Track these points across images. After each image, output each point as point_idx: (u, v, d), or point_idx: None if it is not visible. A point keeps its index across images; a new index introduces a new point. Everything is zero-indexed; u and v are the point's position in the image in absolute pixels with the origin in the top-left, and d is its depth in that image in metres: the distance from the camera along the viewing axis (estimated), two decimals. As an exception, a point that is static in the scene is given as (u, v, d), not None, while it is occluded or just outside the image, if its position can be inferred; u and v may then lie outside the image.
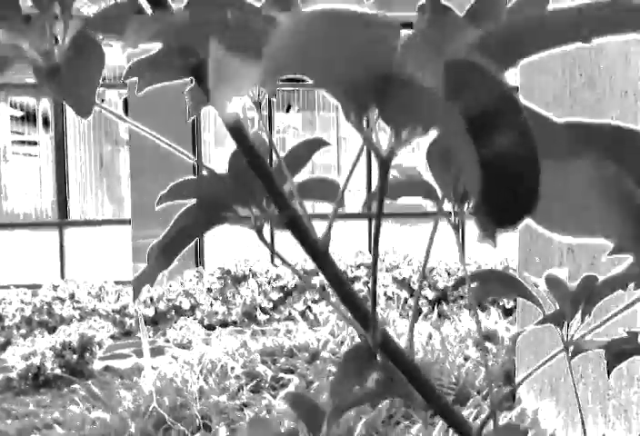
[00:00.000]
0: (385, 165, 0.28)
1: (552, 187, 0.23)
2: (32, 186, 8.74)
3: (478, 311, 3.66)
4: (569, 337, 0.72)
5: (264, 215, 0.51)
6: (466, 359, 4.29)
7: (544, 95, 3.60)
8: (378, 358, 0.53)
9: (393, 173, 0.74)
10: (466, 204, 0.66)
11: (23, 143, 9.78)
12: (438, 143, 0.40)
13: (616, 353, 0.76)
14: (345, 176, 0.51)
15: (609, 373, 0.79)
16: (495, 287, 0.75)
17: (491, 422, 0.57)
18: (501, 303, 6.10)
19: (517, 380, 3.80)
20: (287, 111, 9.34)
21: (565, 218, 0.27)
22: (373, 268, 0.48)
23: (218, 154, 9.24)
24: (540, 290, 0.76)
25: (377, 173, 0.30)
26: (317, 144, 0.58)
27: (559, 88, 3.41)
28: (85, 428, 3.24)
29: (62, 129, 8.06)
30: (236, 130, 0.42)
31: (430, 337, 4.62)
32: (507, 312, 6.01)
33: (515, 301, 6.53)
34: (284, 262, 0.57)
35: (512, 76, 5.09)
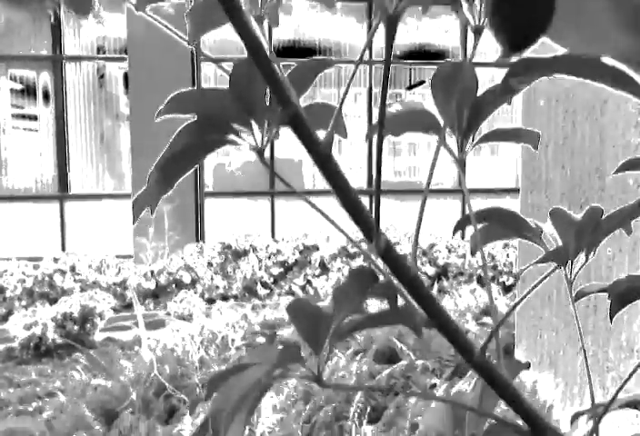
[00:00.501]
0: (392, 24, 0.27)
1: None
2: (32, 160, 8.71)
3: (477, 286, 3.65)
4: (572, 276, 0.71)
5: (266, 129, 0.50)
6: (466, 332, 4.32)
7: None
8: (381, 278, 0.53)
9: (397, 107, 0.73)
10: (470, 138, 0.65)
11: (23, 117, 9.72)
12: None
13: (621, 295, 0.75)
14: (340, 102, 0.50)
15: (612, 318, 0.79)
16: (497, 229, 0.74)
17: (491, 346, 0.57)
18: (501, 280, 6.11)
19: (517, 352, 3.82)
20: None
21: (577, 31, 0.26)
22: (377, 176, 0.47)
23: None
24: (545, 233, 0.75)
25: (384, 35, 0.29)
26: (322, 65, 0.56)
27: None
28: (87, 394, 3.27)
29: (62, 103, 8.01)
30: (245, 29, 0.40)
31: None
32: (507, 289, 6.03)
33: (516, 278, 6.54)
34: (285, 184, 0.56)
35: None
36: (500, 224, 0.74)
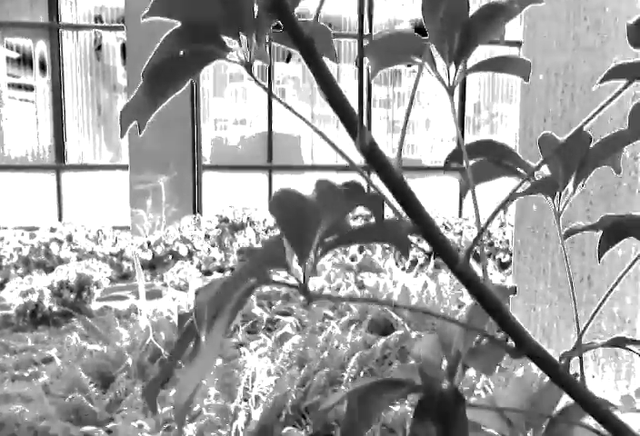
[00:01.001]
0: None
1: None
2: (29, 131, 8.65)
3: (473, 263, 3.69)
4: (561, 208, 0.71)
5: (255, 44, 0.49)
6: (461, 306, 4.34)
7: (547, 41, 3.53)
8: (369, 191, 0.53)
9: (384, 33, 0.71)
10: (461, 64, 0.64)
11: (19, 87, 9.63)
12: None
13: (609, 230, 0.75)
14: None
15: (600, 256, 0.78)
16: (490, 167, 0.73)
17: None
18: (497, 256, 6.13)
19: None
20: (287, 61, 9.19)
21: None
22: (359, 87, 0.47)
23: (217, 104, 9.13)
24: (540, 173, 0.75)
25: None
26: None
27: (563, 33, 3.34)
28: (83, 359, 3.29)
29: (58, 72, 7.94)
30: None
31: (425, 286, 4.66)
32: (503, 266, 6.06)
33: (512, 254, 6.56)
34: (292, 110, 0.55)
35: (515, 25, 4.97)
36: (493, 161, 0.73)
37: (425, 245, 4.28)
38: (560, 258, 3.37)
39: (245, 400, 2.54)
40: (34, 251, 5.65)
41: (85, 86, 8.26)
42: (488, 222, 0.51)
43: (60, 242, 5.81)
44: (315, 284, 4.92)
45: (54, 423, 2.78)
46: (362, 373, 2.80)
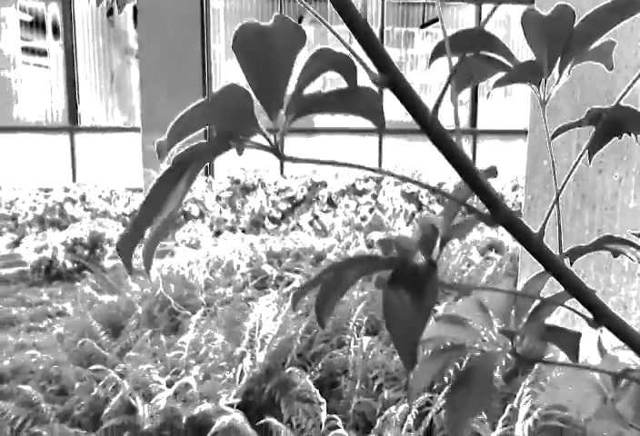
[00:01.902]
0: None
1: None
2: (42, 94, 8.67)
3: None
4: (545, 97, 0.70)
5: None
6: (470, 265, 4.35)
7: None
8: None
9: None
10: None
11: (33, 52, 9.62)
12: None
13: (606, 124, 0.74)
14: None
15: (591, 157, 0.78)
16: (481, 63, 0.72)
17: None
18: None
19: (520, 281, 3.86)
20: (299, 22, 9.04)
21: None
22: None
23: (229, 67, 9.06)
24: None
25: None
26: None
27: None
28: (94, 308, 3.36)
29: (70, 34, 7.90)
30: None
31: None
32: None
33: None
34: None
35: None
36: (483, 57, 0.72)
37: (437, 207, 4.27)
38: (572, 213, 3.35)
39: (252, 346, 2.59)
40: (48, 210, 5.72)
41: (97, 48, 8.23)
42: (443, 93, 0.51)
43: (74, 202, 5.87)
44: (324, 243, 4.94)
45: (66, 367, 2.85)
46: (367, 322, 2.84)
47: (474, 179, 0.53)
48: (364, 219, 5.39)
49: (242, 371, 2.32)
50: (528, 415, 1.94)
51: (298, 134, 7.80)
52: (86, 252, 4.84)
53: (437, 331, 0.77)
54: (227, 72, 8.87)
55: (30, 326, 4.09)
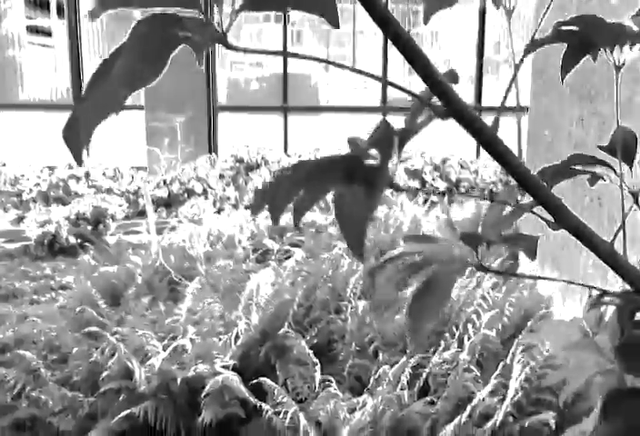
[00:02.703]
0: None
1: None
2: (48, 74, 8.66)
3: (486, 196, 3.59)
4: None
5: None
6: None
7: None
8: None
9: None
10: None
11: (37, 32, 9.59)
12: None
13: (578, 39, 0.73)
14: None
15: (563, 76, 0.76)
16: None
17: None
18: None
19: (521, 255, 3.84)
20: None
21: None
22: None
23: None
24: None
25: None
26: None
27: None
28: (94, 276, 3.38)
29: (75, 12, 7.86)
30: None
31: (437, 218, 4.65)
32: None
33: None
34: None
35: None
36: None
37: (440, 183, 4.21)
38: (573, 181, 3.33)
39: (249, 312, 2.59)
40: (52, 186, 5.74)
41: (102, 26, 8.19)
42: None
43: (78, 179, 5.88)
44: (326, 218, 4.93)
45: (64, 334, 2.88)
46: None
47: (431, 78, 0.52)
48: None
49: (237, 334, 2.32)
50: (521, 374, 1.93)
51: (303, 113, 7.76)
52: (89, 227, 4.85)
53: (407, 248, 0.77)
54: (231, 51, 8.81)
55: (33, 299, 4.13)
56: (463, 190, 6.22)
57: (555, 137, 3.47)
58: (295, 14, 9.07)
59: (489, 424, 1.79)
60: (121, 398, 2.35)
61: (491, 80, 8.65)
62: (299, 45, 8.94)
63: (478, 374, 1.95)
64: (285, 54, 0.52)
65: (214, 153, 7.12)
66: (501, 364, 1.94)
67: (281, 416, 2.10)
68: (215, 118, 7.26)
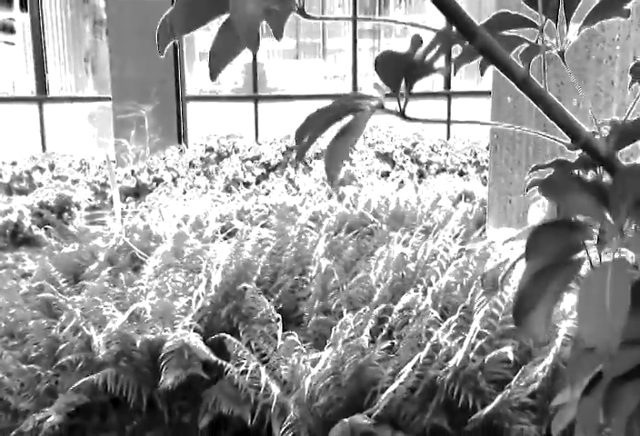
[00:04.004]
0: None
1: None
2: (12, 70, 8.49)
3: (456, 176, 3.61)
4: None
5: None
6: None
7: None
8: None
9: None
10: None
11: (4, 29, 9.41)
12: None
13: None
14: None
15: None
16: None
17: None
18: (483, 175, 6.08)
19: (488, 221, 3.83)
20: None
21: None
22: None
23: (203, 37, 8.91)
24: None
25: None
26: None
27: None
28: (55, 255, 3.29)
29: (38, 6, 7.71)
30: None
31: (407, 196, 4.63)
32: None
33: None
34: None
35: None
36: None
37: (410, 165, 4.19)
38: (534, 147, 3.32)
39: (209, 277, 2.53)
40: (15, 178, 5.61)
41: (66, 18, 8.05)
42: None
43: (42, 170, 5.75)
44: (295, 202, 4.89)
45: (23, 311, 2.79)
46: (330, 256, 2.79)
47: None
48: (336, 176, 5.34)
49: (198, 296, 2.26)
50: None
51: (273, 100, 7.71)
52: (53, 215, 4.74)
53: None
54: (198, 41, 8.72)
55: (-5, 287, 4.01)
56: (433, 171, 6.22)
57: (515, 102, 3.48)
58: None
59: (451, 363, 1.75)
60: (79, 366, 2.28)
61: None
62: (268, 36, 8.85)
63: (439, 317, 1.91)
64: (359, 18, 0.54)
65: (183, 143, 7.03)
66: (460, 307, 1.91)
67: (243, 373, 2.05)
68: (184, 108, 7.17)
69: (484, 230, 3.77)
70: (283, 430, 1.80)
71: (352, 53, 8.27)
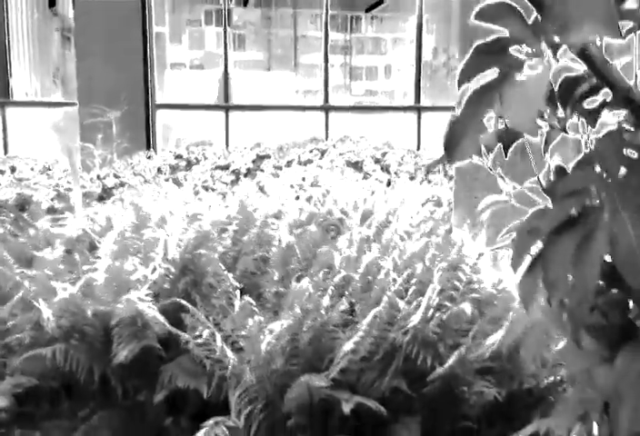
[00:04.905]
0: None
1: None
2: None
3: (424, 181, 3.61)
4: None
5: None
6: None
7: None
8: None
9: None
10: None
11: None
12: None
13: None
14: None
15: None
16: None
17: None
18: (449, 173, 6.11)
19: (452, 219, 3.83)
20: (245, 4, 8.99)
21: None
22: None
23: (175, 52, 8.89)
24: None
25: None
26: None
27: None
28: (8, 241, 3.17)
29: (2, 10, 7.65)
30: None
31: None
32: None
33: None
34: None
35: None
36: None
37: (381, 174, 4.17)
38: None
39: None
40: (-25, 180, 5.45)
41: (32, 24, 7.99)
42: None
43: (2, 172, 5.61)
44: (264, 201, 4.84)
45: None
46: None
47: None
48: (304, 179, 5.31)
49: (154, 268, 2.18)
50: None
51: (244, 109, 7.70)
52: (12, 215, 4.60)
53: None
54: (173, 53, 8.73)
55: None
56: (403, 179, 6.23)
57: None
58: (236, 17, 9.09)
59: (409, 325, 1.71)
60: (26, 341, 2.17)
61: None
62: (241, 50, 8.92)
63: (397, 278, 1.87)
64: None
65: (152, 149, 6.95)
66: (420, 266, 1.87)
67: (200, 346, 1.97)
68: (153, 114, 7.11)
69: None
70: (239, 393, 1.72)
71: (324, 66, 8.35)
